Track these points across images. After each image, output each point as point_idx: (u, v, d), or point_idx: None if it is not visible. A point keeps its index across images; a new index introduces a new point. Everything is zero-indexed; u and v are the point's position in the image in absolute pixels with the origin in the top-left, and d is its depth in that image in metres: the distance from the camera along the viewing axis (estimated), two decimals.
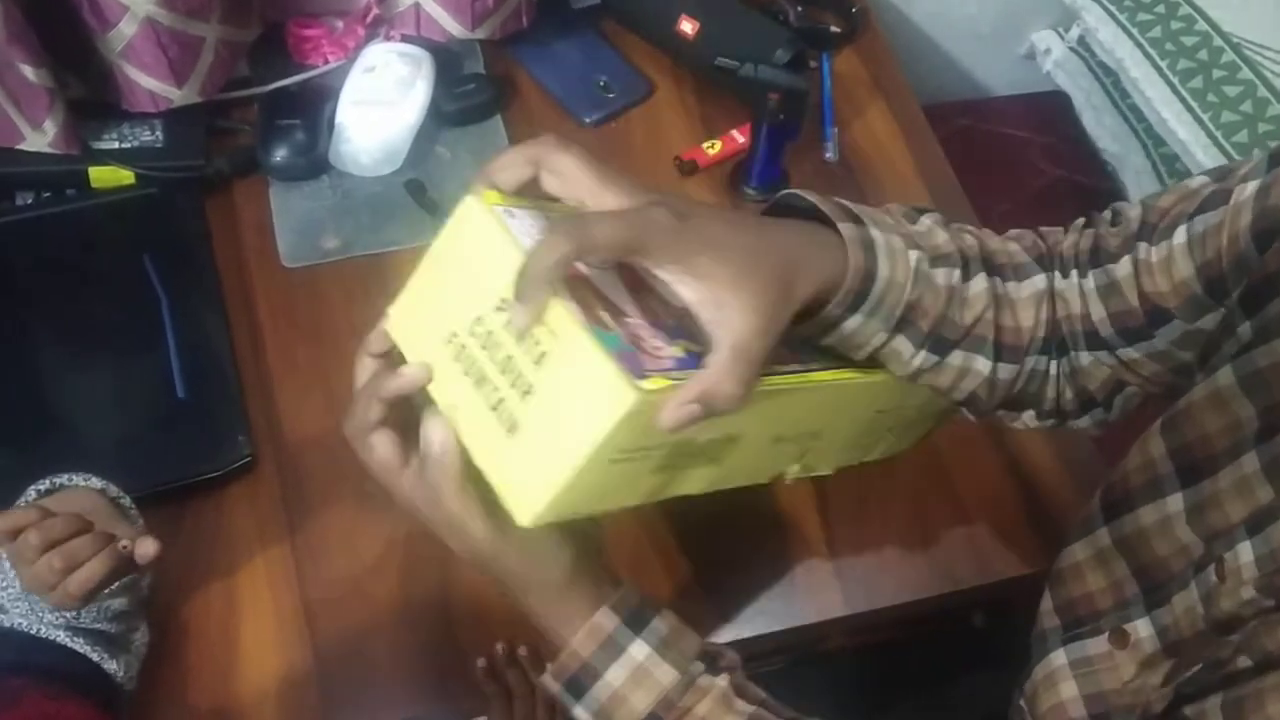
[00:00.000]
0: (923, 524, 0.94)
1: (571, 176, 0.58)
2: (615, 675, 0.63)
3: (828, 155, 1.14)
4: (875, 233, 0.64)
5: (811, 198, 0.65)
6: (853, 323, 0.65)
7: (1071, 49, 1.40)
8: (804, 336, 0.66)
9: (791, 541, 0.92)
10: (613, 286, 0.59)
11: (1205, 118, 1.23)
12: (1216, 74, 1.25)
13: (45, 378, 0.91)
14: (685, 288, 0.55)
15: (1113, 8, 1.31)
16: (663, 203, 0.56)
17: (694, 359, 0.57)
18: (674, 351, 0.57)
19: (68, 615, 0.70)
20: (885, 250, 0.64)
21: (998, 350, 0.69)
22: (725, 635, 0.87)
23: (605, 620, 0.63)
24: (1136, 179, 1.31)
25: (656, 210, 0.55)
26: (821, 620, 0.89)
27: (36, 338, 0.93)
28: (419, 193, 1.06)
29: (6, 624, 0.70)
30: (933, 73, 1.52)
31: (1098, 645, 0.68)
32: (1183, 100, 1.24)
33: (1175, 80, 1.25)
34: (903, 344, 0.67)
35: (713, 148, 1.12)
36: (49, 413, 0.90)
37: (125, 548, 0.68)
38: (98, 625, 0.72)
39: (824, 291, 0.62)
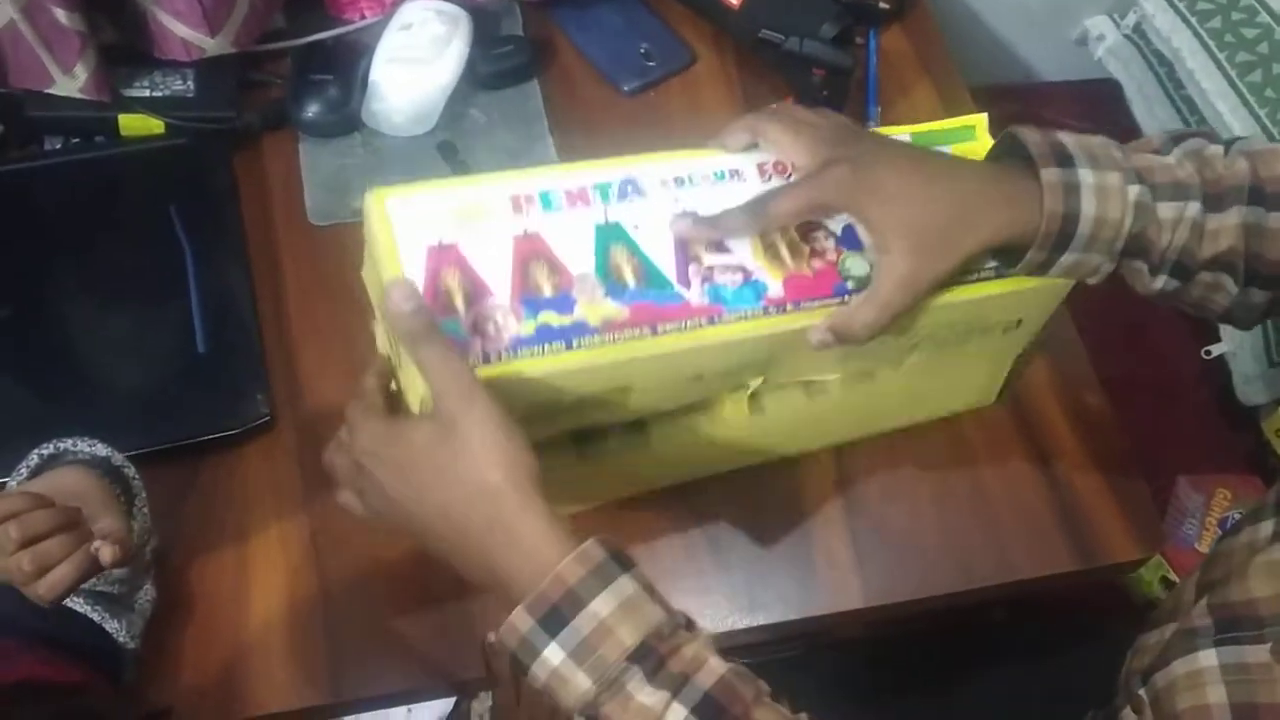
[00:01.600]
0: (947, 518, 0.92)
1: (778, 142, 0.73)
2: (603, 605, 0.56)
3: None
4: (1084, 172, 0.67)
5: (1028, 137, 0.69)
6: (1069, 259, 0.69)
7: (1126, 36, 1.36)
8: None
9: (813, 528, 0.90)
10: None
11: (1263, 113, 1.19)
12: (1277, 68, 1.20)
13: (66, 325, 0.91)
14: (862, 233, 0.71)
15: None
16: (845, 158, 0.68)
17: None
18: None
19: None
20: (1094, 190, 0.67)
21: (1249, 276, 0.70)
22: (740, 620, 0.86)
23: (595, 550, 0.58)
24: None
25: (834, 169, 0.68)
26: (838, 611, 0.88)
27: (59, 284, 0.92)
28: (451, 154, 1.04)
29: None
30: (982, 55, 1.48)
31: (1257, 654, 0.64)
32: (1240, 94, 1.20)
33: (1233, 73, 1.21)
34: (1139, 267, 0.71)
35: None
36: (68, 359, 0.89)
37: (96, 549, 0.67)
38: (99, 587, 0.71)
39: (1016, 238, 0.68)
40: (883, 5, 1.19)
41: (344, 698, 0.80)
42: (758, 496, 0.91)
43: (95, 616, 0.70)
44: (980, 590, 0.91)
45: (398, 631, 0.83)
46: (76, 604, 0.70)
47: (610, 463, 0.84)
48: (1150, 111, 1.32)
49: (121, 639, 0.72)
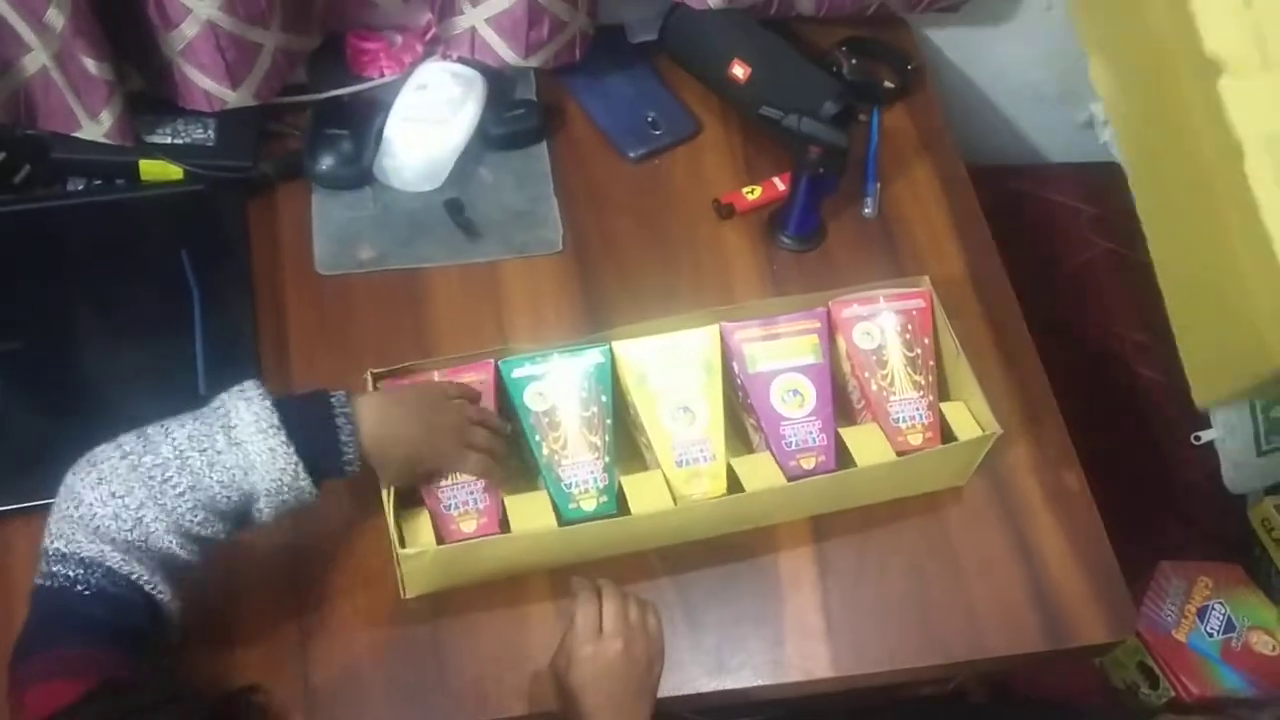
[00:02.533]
0: (920, 593, 0.93)
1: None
2: None
3: (866, 211, 1.14)
4: None
5: None
6: None
7: None
8: None
9: (786, 595, 0.92)
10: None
11: None
12: None
13: (74, 361, 0.94)
14: None
15: None
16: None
17: None
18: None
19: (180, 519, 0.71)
20: None
21: None
22: (707, 683, 0.87)
23: None
24: None
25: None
26: (807, 679, 0.89)
27: (71, 321, 0.96)
28: (457, 212, 1.08)
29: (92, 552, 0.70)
30: (990, 134, 1.51)
31: None
32: None
33: None
34: None
35: (752, 193, 1.12)
36: (73, 394, 0.92)
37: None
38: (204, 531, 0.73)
39: None
40: (887, 84, 1.23)
41: None
42: (733, 560, 0.93)
43: (156, 592, 0.71)
44: (951, 666, 0.92)
45: (372, 680, 0.85)
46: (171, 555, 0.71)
47: (590, 533, 0.87)
48: None
49: (170, 611, 0.72)
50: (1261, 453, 1.20)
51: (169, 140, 1.05)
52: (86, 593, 0.69)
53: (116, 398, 0.93)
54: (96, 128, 1.01)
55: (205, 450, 0.72)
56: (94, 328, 0.96)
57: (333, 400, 0.77)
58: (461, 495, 0.85)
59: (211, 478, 0.71)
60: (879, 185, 1.16)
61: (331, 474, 0.77)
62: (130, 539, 0.70)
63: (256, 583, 0.88)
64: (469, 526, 0.85)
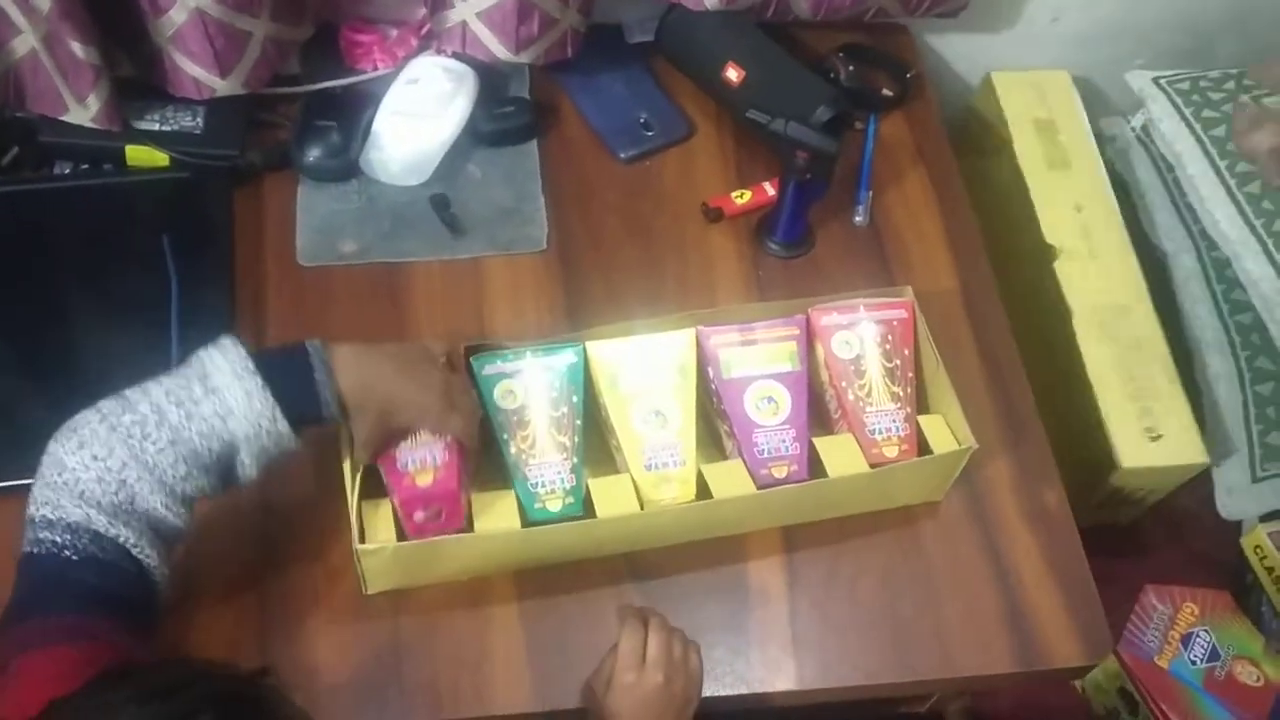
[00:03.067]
0: (891, 609, 0.91)
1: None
2: None
3: (857, 219, 1.13)
4: None
5: None
6: None
7: (1136, 137, 1.37)
8: None
9: (753, 605, 0.91)
10: None
11: (1259, 224, 1.18)
12: None
13: (51, 342, 0.94)
14: None
15: (1179, 100, 1.27)
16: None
17: None
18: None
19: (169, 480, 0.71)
20: None
21: None
22: None
23: None
24: (1185, 282, 1.27)
25: None
26: (770, 691, 0.88)
27: (47, 302, 0.96)
28: (442, 207, 1.07)
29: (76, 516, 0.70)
30: None
31: None
32: (1238, 204, 1.20)
33: (1233, 183, 1.21)
34: None
35: (742, 197, 1.11)
36: (48, 374, 0.92)
37: None
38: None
39: None
40: (885, 92, 1.22)
41: None
42: (700, 567, 0.91)
43: (138, 552, 0.71)
44: (919, 684, 0.91)
45: (329, 675, 0.84)
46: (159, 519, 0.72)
47: (555, 534, 0.86)
48: (1153, 216, 1.32)
49: (156, 577, 0.72)
50: (1256, 479, 1.18)
51: (157, 127, 1.05)
52: (75, 558, 0.69)
53: (91, 380, 0.91)
54: (84, 112, 1.01)
55: (182, 403, 0.72)
56: (72, 310, 0.96)
57: (309, 347, 0.77)
58: (420, 454, 0.82)
59: (190, 428, 0.72)
60: (871, 194, 1.14)
61: (309, 419, 0.76)
62: (115, 501, 0.70)
63: (216, 571, 0.87)
64: (425, 481, 0.82)
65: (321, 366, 0.76)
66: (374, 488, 0.83)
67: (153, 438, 0.71)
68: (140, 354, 0.94)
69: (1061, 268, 1.20)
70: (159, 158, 1.04)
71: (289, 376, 0.75)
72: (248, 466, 0.75)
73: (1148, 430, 1.10)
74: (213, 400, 0.72)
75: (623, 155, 1.14)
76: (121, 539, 0.70)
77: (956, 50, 1.36)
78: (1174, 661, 1.14)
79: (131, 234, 1.01)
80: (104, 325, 0.96)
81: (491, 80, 1.14)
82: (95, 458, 0.70)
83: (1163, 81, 1.30)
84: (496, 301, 1.03)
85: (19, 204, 1.02)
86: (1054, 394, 1.16)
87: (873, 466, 0.91)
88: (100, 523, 0.69)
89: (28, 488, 0.86)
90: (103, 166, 1.04)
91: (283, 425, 0.74)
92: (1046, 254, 1.20)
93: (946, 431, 0.93)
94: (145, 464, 0.71)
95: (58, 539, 0.69)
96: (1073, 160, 1.28)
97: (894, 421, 0.93)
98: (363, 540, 0.81)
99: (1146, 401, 1.13)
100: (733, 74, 1.13)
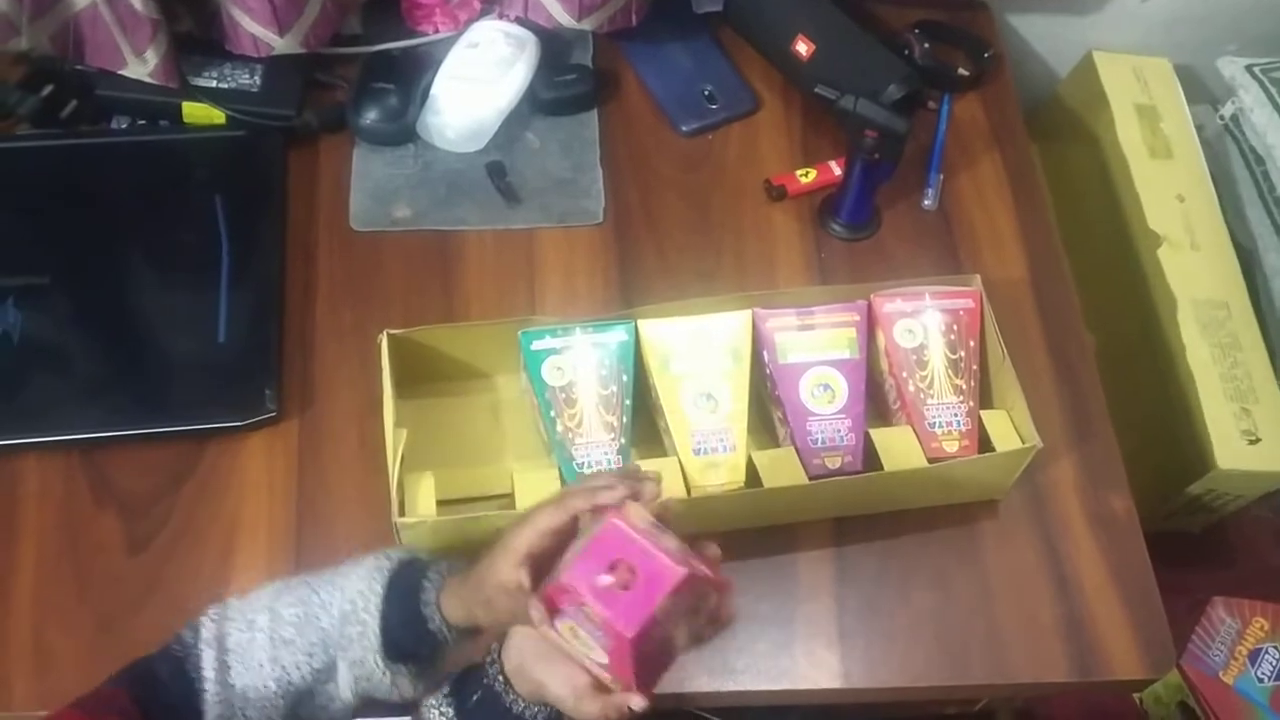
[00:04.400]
0: (943, 609, 0.88)
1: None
2: None
3: (926, 202, 1.08)
4: None
5: None
6: None
7: (1224, 127, 1.30)
8: None
9: (800, 600, 0.88)
10: None
11: None
12: None
13: (95, 299, 0.93)
14: None
15: (1273, 89, 1.21)
16: None
17: None
18: None
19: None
20: None
21: None
22: (707, 682, 0.84)
23: None
24: (1267, 280, 1.21)
25: None
26: (814, 688, 0.85)
27: (97, 258, 0.95)
28: (499, 175, 1.05)
29: None
30: None
31: None
32: None
33: None
34: None
35: (806, 175, 1.08)
36: (91, 332, 0.92)
37: None
38: None
39: None
40: (961, 71, 1.17)
41: None
42: (747, 556, 0.88)
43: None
44: (969, 688, 0.88)
45: None
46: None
47: None
48: (1238, 211, 1.26)
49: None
50: None
51: (214, 84, 1.04)
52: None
53: (136, 339, 0.92)
54: (141, 66, 1.00)
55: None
56: (120, 267, 0.95)
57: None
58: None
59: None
60: (942, 177, 1.10)
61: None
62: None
63: (253, 535, 0.86)
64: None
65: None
66: (413, 461, 0.81)
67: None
68: (186, 314, 0.94)
69: (1165, 257, 1.14)
70: (215, 115, 1.02)
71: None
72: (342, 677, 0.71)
73: (1245, 433, 1.05)
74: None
75: (684, 128, 1.11)
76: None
77: (1038, 31, 1.30)
78: (1240, 678, 1.09)
79: (185, 192, 1.00)
80: (154, 283, 0.95)
81: (553, 47, 1.11)
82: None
83: (1256, 69, 1.24)
84: (549, 274, 1.01)
85: (75, 157, 1.01)
86: (1145, 390, 1.11)
87: (931, 461, 0.87)
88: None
89: (78, 442, 0.87)
90: (159, 122, 1.03)
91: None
92: (1150, 242, 1.14)
93: (1010, 428, 0.89)
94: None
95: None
96: (1174, 149, 1.22)
97: (955, 415, 0.89)
98: (402, 513, 0.80)
99: (1245, 403, 1.07)
100: (802, 47, 1.09)
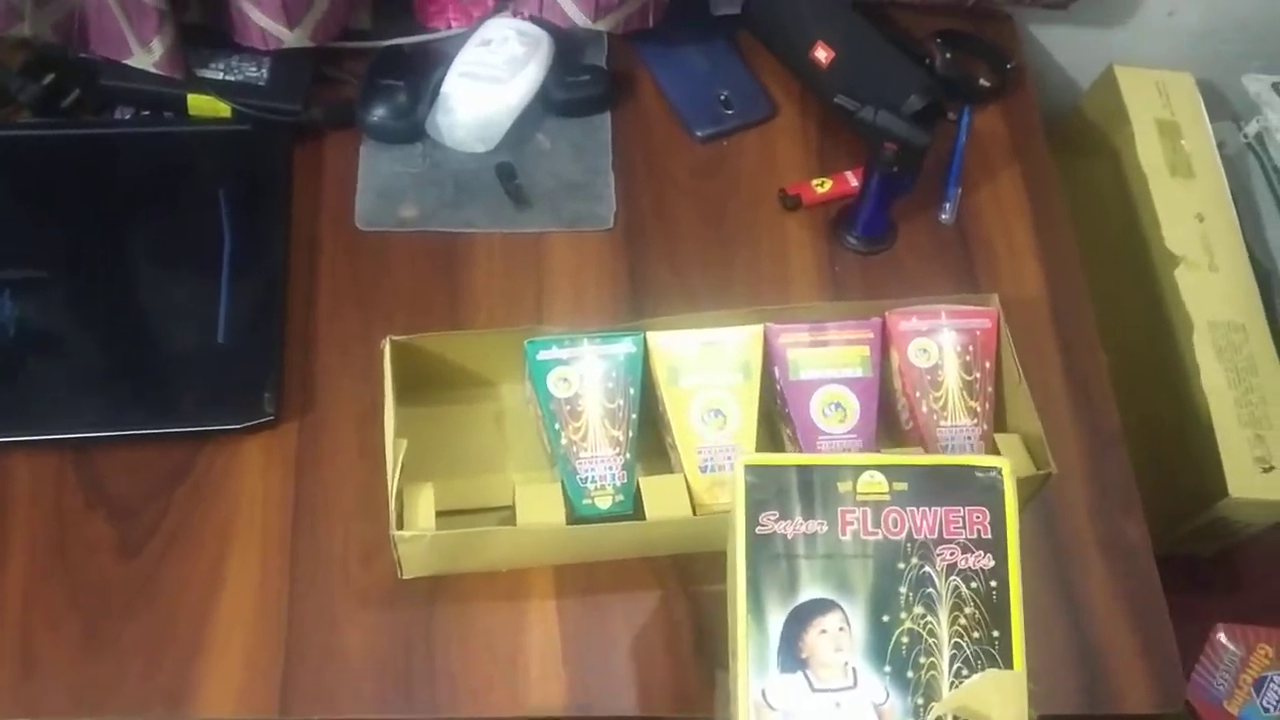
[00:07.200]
0: None
1: None
2: None
3: (943, 216, 1.06)
4: None
5: None
6: None
7: (1247, 144, 1.28)
8: None
9: None
10: None
11: None
12: None
13: (94, 295, 0.91)
14: None
15: None
16: None
17: None
18: None
19: None
20: None
21: None
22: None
23: None
24: None
25: None
26: None
27: (97, 253, 0.93)
28: (508, 178, 1.03)
29: None
30: None
31: None
32: None
33: None
34: None
35: (822, 186, 1.06)
36: (89, 329, 0.90)
37: None
38: None
39: None
40: (983, 83, 1.15)
41: (291, 715, 0.79)
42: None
43: None
44: None
45: (356, 658, 0.81)
46: None
47: (601, 533, 0.82)
48: (1258, 231, 1.24)
49: None
50: None
51: (221, 76, 1.01)
52: None
53: (133, 336, 0.90)
54: (147, 56, 0.98)
55: None
56: (119, 262, 0.93)
57: None
58: None
59: None
60: (960, 190, 1.08)
61: None
62: None
63: (245, 542, 0.84)
64: None
65: None
66: (414, 471, 0.79)
67: None
68: (186, 311, 0.92)
69: (1182, 278, 1.12)
70: (221, 108, 1.00)
71: None
72: None
73: (1259, 460, 1.03)
74: None
75: (699, 133, 1.08)
76: None
77: (1061, 43, 1.28)
78: (1245, 707, 1.07)
79: (188, 185, 0.98)
80: (153, 279, 0.93)
81: (567, 47, 1.09)
82: None
83: None
84: (558, 279, 0.99)
85: (76, 148, 0.99)
86: (1157, 413, 1.09)
87: None
88: None
89: (70, 441, 0.85)
90: (163, 114, 1.01)
91: None
92: (1168, 262, 1.12)
93: (1024, 453, 0.87)
94: None
95: None
96: (1195, 166, 1.19)
97: (969, 438, 0.87)
98: (400, 526, 0.78)
99: (1259, 430, 1.05)
100: (821, 54, 1.07)
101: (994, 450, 0.87)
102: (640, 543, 0.84)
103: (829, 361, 0.88)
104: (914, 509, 0.70)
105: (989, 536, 0.70)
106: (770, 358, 0.88)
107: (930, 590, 0.69)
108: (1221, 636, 1.08)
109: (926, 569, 0.69)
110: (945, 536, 0.70)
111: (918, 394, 0.88)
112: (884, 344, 0.90)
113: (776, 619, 0.69)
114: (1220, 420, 1.06)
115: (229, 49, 1.02)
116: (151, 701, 0.78)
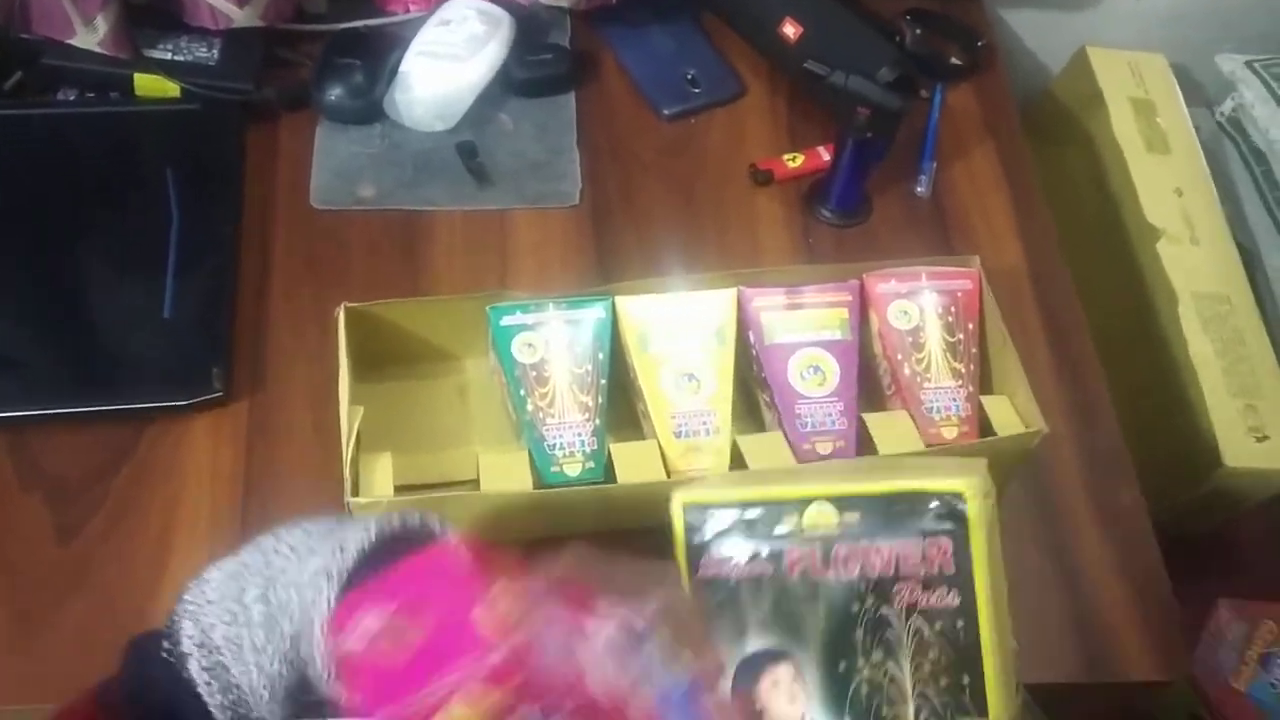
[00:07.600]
0: None
1: None
2: None
3: (919, 189, 1.04)
4: None
5: None
6: None
7: (1220, 125, 1.27)
8: None
9: None
10: None
11: None
12: None
13: (38, 271, 0.87)
14: None
15: (1275, 85, 1.17)
16: None
17: None
18: None
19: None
20: None
21: None
22: None
23: None
24: (1269, 281, 1.17)
25: None
26: None
27: (41, 231, 0.89)
28: (469, 156, 0.99)
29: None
30: None
31: None
32: None
33: None
34: None
35: (794, 160, 1.03)
36: (30, 305, 0.86)
37: None
38: None
39: None
40: (954, 61, 1.13)
41: None
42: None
43: None
44: None
45: None
46: None
47: (569, 499, 0.78)
48: (1239, 213, 1.22)
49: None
50: None
51: (169, 56, 0.98)
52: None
53: (72, 313, 0.86)
54: (91, 35, 0.94)
55: None
56: (65, 242, 0.89)
57: None
58: None
59: None
60: (935, 165, 1.05)
61: None
62: None
63: (196, 515, 0.79)
64: None
65: None
66: (372, 444, 0.75)
67: None
68: (132, 290, 0.87)
69: (1164, 251, 1.09)
70: (169, 88, 0.97)
71: None
72: None
73: (1253, 429, 1.00)
74: None
75: (666, 112, 1.06)
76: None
77: (1030, 26, 1.27)
78: (1253, 684, 1.03)
79: (134, 165, 0.95)
80: (96, 257, 0.89)
81: (529, 26, 1.06)
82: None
83: (1257, 65, 1.21)
84: (522, 257, 0.95)
85: (19, 129, 0.95)
86: (1148, 388, 1.05)
87: (929, 447, 0.81)
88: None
89: (3, 420, 0.80)
90: (109, 94, 0.98)
91: None
92: (1149, 236, 1.09)
93: (1013, 414, 0.84)
94: None
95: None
96: (1172, 143, 1.18)
97: (954, 400, 0.83)
98: (356, 493, 0.73)
99: (1250, 399, 1.02)
100: (790, 30, 1.04)
101: (981, 412, 0.83)
102: (613, 510, 0.80)
103: (806, 324, 0.84)
104: (867, 543, 0.64)
105: (952, 571, 0.63)
106: (744, 322, 0.84)
107: (888, 634, 0.63)
108: (1224, 612, 1.04)
109: (883, 610, 0.63)
110: (902, 573, 0.63)
111: (899, 356, 0.84)
112: (863, 307, 0.86)
113: (727, 671, 0.63)
114: (1211, 391, 1.03)
115: (178, 30, 0.99)
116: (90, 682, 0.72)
